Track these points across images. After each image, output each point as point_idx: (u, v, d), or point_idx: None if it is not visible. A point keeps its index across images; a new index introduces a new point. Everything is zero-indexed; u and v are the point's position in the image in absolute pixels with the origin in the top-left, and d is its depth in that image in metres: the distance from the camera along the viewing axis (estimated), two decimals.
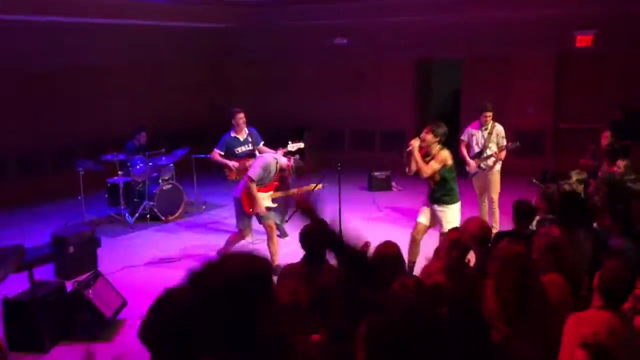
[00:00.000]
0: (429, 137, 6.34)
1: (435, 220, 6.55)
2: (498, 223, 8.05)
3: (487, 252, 4.37)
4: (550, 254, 3.81)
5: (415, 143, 6.37)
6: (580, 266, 4.21)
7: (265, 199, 7.13)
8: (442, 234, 6.30)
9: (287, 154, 8.18)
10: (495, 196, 8.18)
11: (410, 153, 6.37)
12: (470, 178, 8.32)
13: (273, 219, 7.31)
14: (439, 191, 6.42)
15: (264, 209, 7.07)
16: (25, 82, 10.75)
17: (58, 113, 11.28)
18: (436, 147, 6.36)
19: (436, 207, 6.45)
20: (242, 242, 8.29)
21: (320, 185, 7.64)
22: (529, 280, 3.36)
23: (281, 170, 7.22)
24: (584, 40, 11.33)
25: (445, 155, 6.34)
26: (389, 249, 3.97)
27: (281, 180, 7.31)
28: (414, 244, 6.50)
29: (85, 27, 11.09)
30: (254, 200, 7.00)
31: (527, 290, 3.32)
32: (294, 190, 7.44)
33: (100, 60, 11.76)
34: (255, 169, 7.06)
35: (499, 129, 8.23)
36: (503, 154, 8.11)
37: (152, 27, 12.10)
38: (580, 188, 6.40)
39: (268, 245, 7.21)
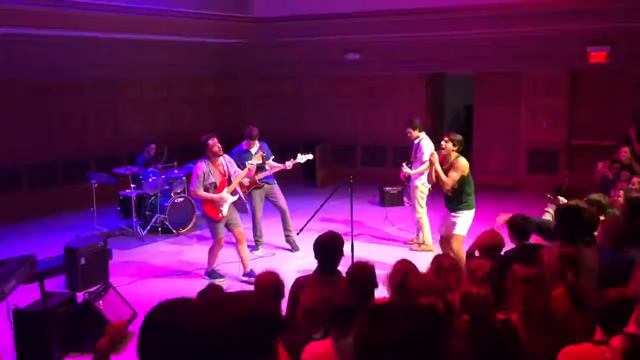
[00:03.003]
0: (449, 145, 6.59)
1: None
2: (424, 237, 8.39)
3: (498, 265, 4.35)
4: (564, 266, 3.75)
5: (435, 156, 6.67)
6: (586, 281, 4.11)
7: (226, 198, 7.14)
8: (451, 237, 6.68)
9: (297, 165, 8.29)
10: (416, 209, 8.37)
11: (432, 165, 6.64)
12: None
13: (240, 224, 7.37)
14: (456, 199, 6.62)
15: (229, 200, 7.13)
16: (39, 95, 10.88)
17: (70, 125, 11.39)
18: (454, 156, 6.58)
19: (452, 214, 6.68)
20: (255, 253, 8.30)
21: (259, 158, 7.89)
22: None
23: (217, 165, 7.16)
24: (597, 56, 11.28)
25: (463, 163, 6.54)
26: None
27: (225, 173, 7.27)
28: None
29: (99, 42, 11.21)
30: (214, 201, 7.07)
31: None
32: (245, 172, 7.48)
33: (113, 74, 11.87)
34: (192, 180, 7.14)
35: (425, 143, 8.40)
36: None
37: (164, 42, 12.20)
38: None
39: (238, 249, 7.36)
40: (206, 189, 7.09)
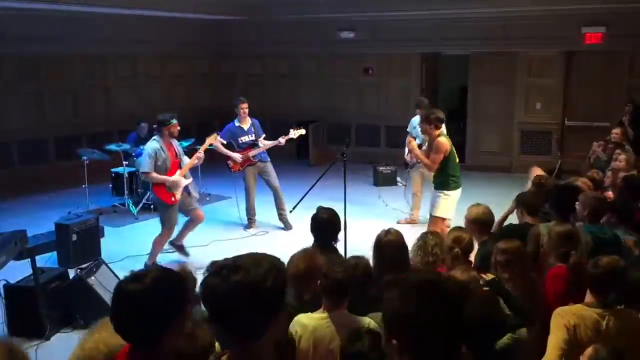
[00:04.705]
0: (423, 125, 6.37)
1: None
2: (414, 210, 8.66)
3: (491, 240, 4.35)
4: (565, 244, 3.77)
5: (413, 142, 6.70)
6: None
7: (179, 181, 6.83)
8: (430, 217, 6.46)
9: (289, 141, 8.25)
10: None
11: (412, 151, 6.60)
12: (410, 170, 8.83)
13: (197, 205, 7.22)
14: (440, 177, 6.37)
15: (183, 184, 6.83)
16: (30, 70, 10.76)
17: (62, 101, 11.29)
18: (434, 134, 6.26)
19: (437, 192, 6.41)
20: (248, 231, 8.30)
21: (216, 135, 7.76)
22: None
23: (169, 146, 6.82)
24: (593, 37, 11.24)
25: (443, 142, 6.21)
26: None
27: (176, 155, 6.91)
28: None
29: (92, 17, 11.06)
30: (169, 184, 6.72)
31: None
32: (195, 158, 7.08)
33: (105, 50, 11.75)
34: (144, 162, 6.76)
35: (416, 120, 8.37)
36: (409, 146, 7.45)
37: (156, 18, 12.05)
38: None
39: (186, 224, 7.13)
40: (157, 170, 6.69)
